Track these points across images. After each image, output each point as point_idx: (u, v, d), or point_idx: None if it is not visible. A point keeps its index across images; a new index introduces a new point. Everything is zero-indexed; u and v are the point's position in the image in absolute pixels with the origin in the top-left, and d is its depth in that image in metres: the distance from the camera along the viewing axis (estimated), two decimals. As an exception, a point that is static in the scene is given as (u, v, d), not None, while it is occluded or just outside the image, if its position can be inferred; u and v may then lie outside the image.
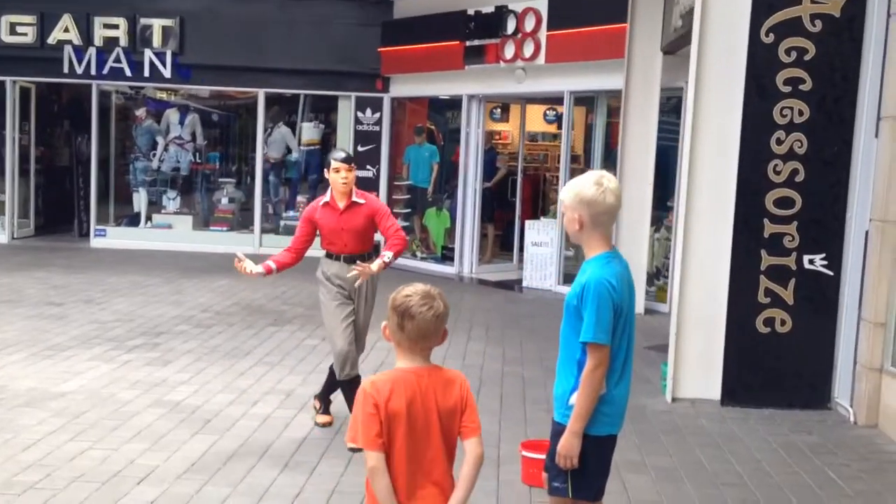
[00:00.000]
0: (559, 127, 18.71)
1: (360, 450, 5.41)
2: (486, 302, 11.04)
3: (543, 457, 4.91)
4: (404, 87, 14.12)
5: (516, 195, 13.59)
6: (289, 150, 15.12)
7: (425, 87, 13.81)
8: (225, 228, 14.86)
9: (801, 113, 6.60)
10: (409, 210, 14.25)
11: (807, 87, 6.59)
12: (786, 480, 5.29)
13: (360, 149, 14.16)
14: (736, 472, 5.42)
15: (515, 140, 17.94)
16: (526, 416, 6.34)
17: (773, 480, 5.29)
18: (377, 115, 14.22)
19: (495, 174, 14.12)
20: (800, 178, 6.63)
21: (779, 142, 6.62)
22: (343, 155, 5.81)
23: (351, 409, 5.74)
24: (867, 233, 6.49)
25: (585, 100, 12.72)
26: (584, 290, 3.30)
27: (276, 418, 6.14)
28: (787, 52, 6.58)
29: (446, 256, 13.54)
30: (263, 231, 14.60)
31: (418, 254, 13.94)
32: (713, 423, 6.39)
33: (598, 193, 3.34)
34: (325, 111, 15.44)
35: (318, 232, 5.88)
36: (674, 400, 6.81)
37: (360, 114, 14.25)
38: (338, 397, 6.06)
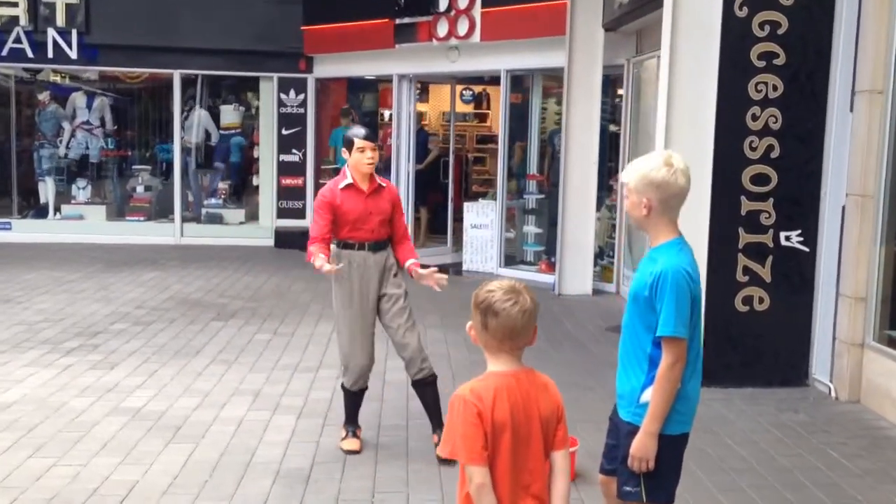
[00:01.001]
0: (476, 106, 18.60)
1: (357, 452, 5.15)
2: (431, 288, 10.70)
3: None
4: (329, 67, 13.61)
5: (448, 177, 13.30)
6: (208, 135, 14.44)
7: (352, 66, 13.32)
8: (142, 218, 14.07)
9: (775, 88, 6.51)
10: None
11: (780, 61, 6.50)
12: (792, 462, 5.19)
13: (284, 132, 13.66)
14: (740, 456, 5.30)
15: (432, 121, 17.70)
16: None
17: (779, 463, 5.19)
18: (301, 96, 13.67)
19: (427, 156, 13.78)
20: (775, 154, 6.55)
21: (754, 117, 6.52)
22: (366, 131, 5.18)
23: (348, 414, 5.39)
24: (843, 208, 6.47)
25: (513, 80, 12.47)
26: (660, 281, 3.04)
27: (252, 421, 5.72)
28: (761, 25, 6.47)
29: (379, 242, 13.16)
30: (184, 220, 13.89)
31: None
32: (699, 405, 6.26)
33: (669, 175, 3.09)
34: (245, 92, 14.81)
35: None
36: (654, 383, 6.66)
37: (283, 95, 13.68)
38: (329, 396, 5.70)
